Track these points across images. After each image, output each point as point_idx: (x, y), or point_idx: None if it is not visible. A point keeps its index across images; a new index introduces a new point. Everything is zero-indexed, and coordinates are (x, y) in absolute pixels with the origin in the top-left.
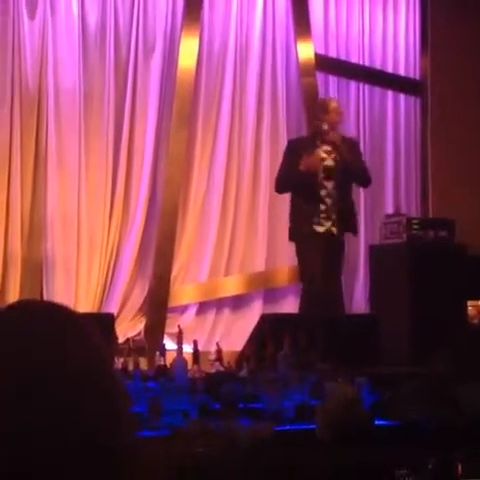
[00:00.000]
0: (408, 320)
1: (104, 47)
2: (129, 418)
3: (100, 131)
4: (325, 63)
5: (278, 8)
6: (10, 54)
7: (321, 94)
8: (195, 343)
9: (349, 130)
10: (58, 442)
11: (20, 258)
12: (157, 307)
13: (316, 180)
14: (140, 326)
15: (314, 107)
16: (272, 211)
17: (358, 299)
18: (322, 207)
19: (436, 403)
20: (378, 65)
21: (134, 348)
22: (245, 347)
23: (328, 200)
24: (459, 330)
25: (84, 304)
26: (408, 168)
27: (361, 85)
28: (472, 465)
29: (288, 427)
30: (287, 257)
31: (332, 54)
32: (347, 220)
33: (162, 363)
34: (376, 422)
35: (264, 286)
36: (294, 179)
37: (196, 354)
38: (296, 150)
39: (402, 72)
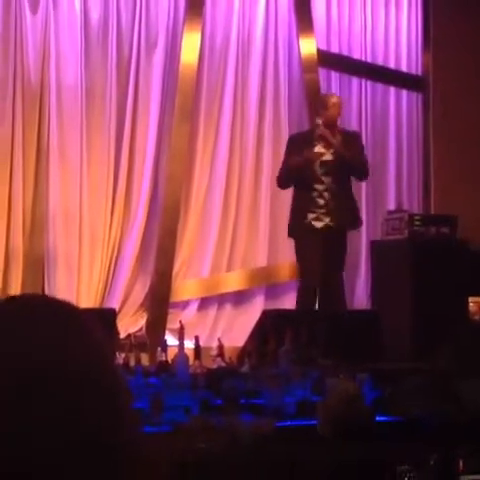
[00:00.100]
0: (410, 316)
1: (106, 42)
2: (131, 414)
3: (102, 126)
4: (327, 59)
5: (280, 3)
6: (12, 49)
7: (323, 90)
8: (197, 339)
9: (351, 126)
10: (59, 440)
11: (22, 253)
12: (159, 303)
13: (314, 175)
14: (142, 322)
15: (316, 103)
16: (274, 206)
17: (360, 295)
18: (321, 202)
19: (438, 399)
20: (380, 61)
21: (136, 344)
22: (247, 343)
23: (327, 195)
24: (461, 326)
25: (86, 299)
26: (410, 164)
27: (363, 81)
28: (474, 461)
29: (289, 423)
30: (289, 253)
31: (334, 50)
32: (347, 215)
33: (164, 359)
34: (378, 418)
35: (266, 282)
36: (292, 173)
37: (198, 350)
38: (296, 145)
39: (404, 68)
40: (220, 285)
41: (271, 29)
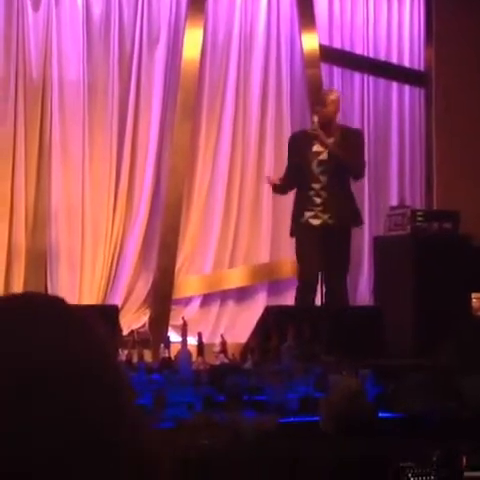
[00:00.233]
0: (412, 312)
1: (108, 38)
2: (134, 411)
3: (104, 122)
4: (329, 54)
5: None
6: (14, 45)
7: (325, 85)
8: (199, 335)
9: (353, 122)
10: (60, 440)
11: (24, 250)
12: (161, 299)
13: (311, 174)
14: (144, 318)
15: (315, 99)
16: (276, 202)
17: (362, 291)
18: (318, 201)
19: (440, 395)
20: (383, 56)
21: (138, 340)
22: (249, 339)
23: (324, 193)
24: (463, 322)
25: (88, 296)
26: (412, 160)
27: (365, 76)
28: (477, 457)
29: (292, 419)
30: (291, 249)
31: (336, 45)
32: (347, 213)
33: (166, 355)
34: (380, 414)
35: (268, 278)
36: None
37: (200, 346)
38: (296, 143)
39: (407, 63)
40: (223, 281)
41: (273, 24)
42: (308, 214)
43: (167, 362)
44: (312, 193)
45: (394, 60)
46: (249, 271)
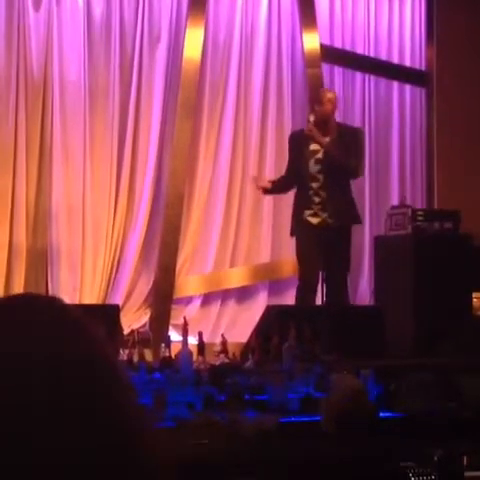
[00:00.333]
0: (413, 312)
1: (109, 38)
2: (135, 411)
3: (105, 122)
4: (330, 54)
5: None
6: (15, 45)
7: (326, 85)
8: (200, 335)
9: (354, 121)
10: (59, 440)
11: (25, 249)
12: (162, 299)
13: (309, 173)
14: (145, 318)
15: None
16: (277, 202)
17: (363, 291)
18: (316, 200)
19: (441, 395)
20: (384, 56)
21: (139, 340)
22: (250, 339)
23: (322, 192)
24: (464, 322)
25: (89, 295)
26: (413, 159)
27: (366, 76)
28: (477, 457)
29: (293, 419)
30: (292, 248)
31: (337, 45)
32: (346, 212)
33: (167, 355)
34: (381, 414)
35: (269, 277)
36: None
37: (201, 346)
38: (295, 142)
39: (408, 63)
40: (223, 281)
41: (274, 24)
42: (307, 213)
43: (168, 361)
44: (311, 192)
45: (395, 60)
46: (250, 271)
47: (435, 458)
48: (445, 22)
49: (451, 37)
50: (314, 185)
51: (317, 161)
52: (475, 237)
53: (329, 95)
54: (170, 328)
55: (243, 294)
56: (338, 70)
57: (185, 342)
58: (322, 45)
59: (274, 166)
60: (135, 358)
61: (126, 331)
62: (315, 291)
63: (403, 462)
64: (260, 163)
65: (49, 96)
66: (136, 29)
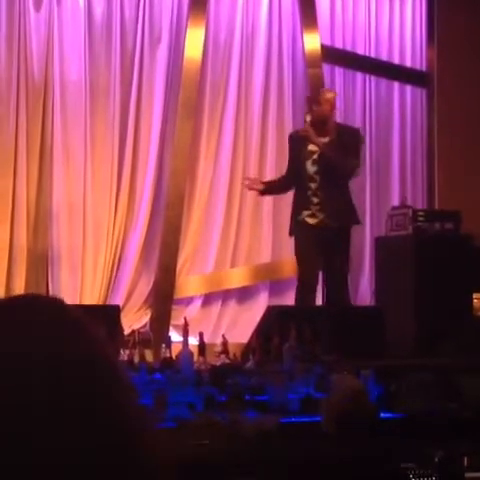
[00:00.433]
0: (413, 312)
1: (110, 38)
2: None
3: (106, 122)
4: (331, 54)
5: None
6: (16, 45)
7: (327, 85)
8: (201, 335)
9: (355, 122)
10: (59, 440)
11: (26, 250)
12: (163, 299)
13: (307, 173)
14: (146, 318)
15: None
16: (277, 202)
17: (363, 291)
18: (315, 200)
19: (441, 395)
20: (384, 56)
21: (140, 340)
22: (251, 339)
23: (320, 193)
24: (464, 322)
25: (89, 296)
26: (414, 160)
27: (367, 76)
28: (478, 458)
29: (293, 419)
30: (292, 249)
31: (338, 45)
32: (344, 212)
33: (168, 355)
34: (381, 415)
35: (270, 278)
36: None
37: (202, 346)
38: (294, 142)
39: (408, 63)
40: (224, 281)
41: (275, 24)
42: (305, 213)
43: (168, 362)
44: (309, 193)
45: (396, 60)
46: (250, 271)
47: (436, 459)
48: (446, 23)
49: (452, 38)
50: (312, 185)
51: (314, 162)
52: (476, 237)
53: (327, 95)
54: (171, 328)
55: (244, 294)
56: (339, 70)
57: (186, 342)
58: (323, 45)
59: (274, 166)
60: (136, 358)
61: (127, 331)
62: (314, 291)
63: (403, 463)
64: (260, 163)
65: (50, 96)
66: (137, 29)
